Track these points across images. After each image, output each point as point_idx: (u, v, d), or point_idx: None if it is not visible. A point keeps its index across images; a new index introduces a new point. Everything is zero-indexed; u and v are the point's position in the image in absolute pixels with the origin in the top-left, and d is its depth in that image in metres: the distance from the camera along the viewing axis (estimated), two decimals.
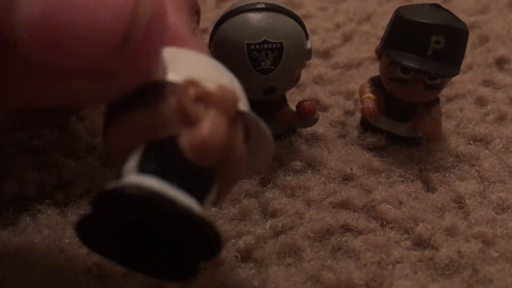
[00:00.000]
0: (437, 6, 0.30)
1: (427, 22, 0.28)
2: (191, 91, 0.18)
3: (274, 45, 0.27)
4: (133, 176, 0.17)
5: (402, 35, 0.29)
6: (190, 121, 0.17)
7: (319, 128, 0.32)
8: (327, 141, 0.32)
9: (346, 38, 0.44)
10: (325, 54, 0.41)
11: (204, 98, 0.18)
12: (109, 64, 0.17)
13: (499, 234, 0.26)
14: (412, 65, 0.28)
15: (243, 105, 0.20)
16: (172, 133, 0.17)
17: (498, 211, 0.28)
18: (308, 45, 0.29)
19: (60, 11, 0.16)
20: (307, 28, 0.29)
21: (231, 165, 0.19)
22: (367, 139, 0.32)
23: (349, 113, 0.35)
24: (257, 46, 0.27)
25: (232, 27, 0.28)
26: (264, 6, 0.28)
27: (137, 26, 0.17)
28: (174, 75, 0.18)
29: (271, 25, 0.27)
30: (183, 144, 0.17)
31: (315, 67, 0.39)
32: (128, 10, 0.17)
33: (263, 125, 0.20)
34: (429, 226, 0.26)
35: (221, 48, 0.28)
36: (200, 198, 0.17)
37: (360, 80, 0.37)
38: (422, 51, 0.28)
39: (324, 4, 0.49)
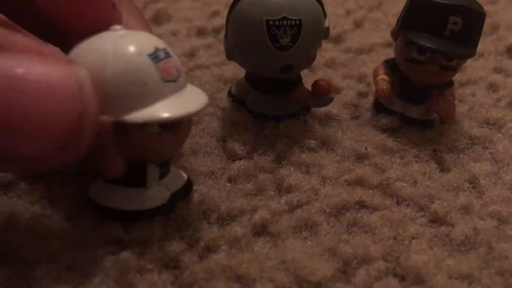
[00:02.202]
0: None
1: (445, 2, 0.28)
2: None
3: (293, 22, 0.27)
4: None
5: (419, 15, 0.29)
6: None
7: (332, 108, 0.32)
8: (340, 122, 0.32)
9: (357, 24, 0.44)
10: (337, 39, 0.41)
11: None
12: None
13: None
14: (429, 45, 0.28)
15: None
16: None
17: None
18: (326, 23, 0.29)
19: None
20: (324, 6, 0.29)
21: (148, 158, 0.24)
22: (380, 120, 0.32)
23: (362, 95, 0.35)
24: (276, 23, 0.27)
25: (251, 3, 0.28)
26: None
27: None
28: None
29: (290, 2, 0.27)
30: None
31: (327, 51, 0.39)
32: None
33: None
34: (445, 204, 0.26)
35: (239, 24, 0.28)
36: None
37: (372, 64, 0.37)
38: (439, 32, 0.29)
39: None
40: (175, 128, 0.22)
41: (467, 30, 0.29)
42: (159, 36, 0.39)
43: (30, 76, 0.18)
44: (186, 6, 0.45)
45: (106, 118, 0.20)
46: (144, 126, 0.21)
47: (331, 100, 0.30)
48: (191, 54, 0.38)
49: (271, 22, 0.27)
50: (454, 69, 0.30)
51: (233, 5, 0.28)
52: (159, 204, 0.24)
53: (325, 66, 0.38)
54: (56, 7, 0.23)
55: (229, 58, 0.30)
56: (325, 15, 0.29)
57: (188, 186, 0.25)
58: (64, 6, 0.23)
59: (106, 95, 0.20)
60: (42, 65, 0.19)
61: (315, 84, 0.30)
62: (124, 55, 0.21)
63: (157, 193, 0.24)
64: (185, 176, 0.25)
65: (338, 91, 0.35)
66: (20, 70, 0.18)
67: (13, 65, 0.18)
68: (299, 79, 0.31)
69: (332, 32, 0.41)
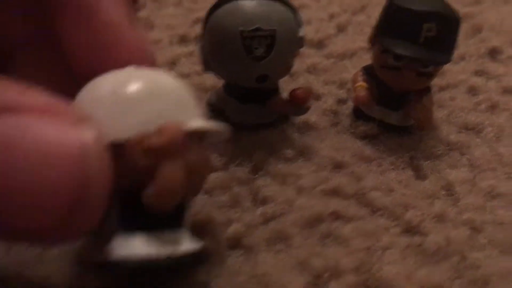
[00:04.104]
0: None
1: (419, 9, 0.28)
2: (139, 150, 0.18)
3: (266, 33, 0.27)
4: (121, 243, 0.20)
5: (394, 22, 0.29)
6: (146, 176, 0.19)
7: (311, 116, 0.32)
8: (319, 130, 0.32)
9: (340, 29, 0.44)
10: (319, 44, 0.41)
11: (152, 152, 0.18)
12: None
13: (487, 221, 0.26)
14: (404, 53, 0.29)
15: (196, 121, 0.20)
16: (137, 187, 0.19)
17: (488, 198, 0.28)
18: (301, 33, 0.29)
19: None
20: (300, 16, 0.29)
21: (197, 183, 0.21)
22: (359, 128, 0.32)
23: (341, 101, 0.35)
24: (250, 33, 0.27)
25: (225, 14, 0.28)
26: None
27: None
28: (120, 133, 0.19)
29: (264, 12, 0.27)
30: (146, 201, 0.19)
31: (308, 57, 0.39)
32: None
33: (220, 129, 0.21)
34: (419, 213, 0.26)
35: (214, 35, 0.28)
36: (179, 223, 0.21)
37: (353, 69, 0.37)
38: (414, 39, 0.29)
39: None
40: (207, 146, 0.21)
41: (442, 36, 0.29)
42: None
43: (27, 142, 0.16)
44: (170, 13, 0.45)
45: (179, 124, 0.19)
46: (200, 139, 0.20)
47: (308, 108, 0.30)
48: (173, 63, 0.38)
49: (245, 33, 0.27)
50: (431, 75, 0.30)
51: (208, 15, 0.28)
52: (198, 248, 0.21)
53: (306, 72, 0.38)
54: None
55: (206, 68, 0.30)
56: (300, 24, 0.29)
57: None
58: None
59: (174, 104, 0.19)
60: (43, 129, 0.17)
61: (292, 93, 0.30)
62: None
63: (191, 236, 0.21)
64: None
65: (318, 97, 0.35)
66: (17, 135, 0.16)
67: (10, 128, 0.17)
68: (276, 88, 0.31)
69: (315, 37, 0.42)
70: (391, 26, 0.29)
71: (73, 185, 0.17)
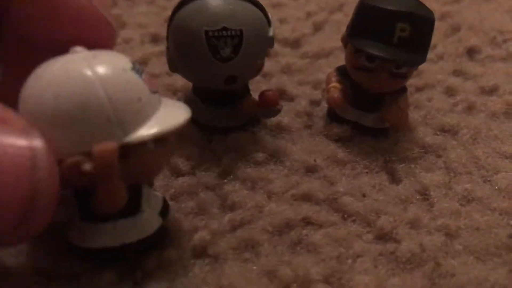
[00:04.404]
0: None
1: (392, 9, 0.27)
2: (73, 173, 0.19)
3: (233, 32, 0.26)
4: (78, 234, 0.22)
5: (367, 23, 0.28)
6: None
7: (284, 118, 0.32)
8: (292, 132, 0.31)
9: (317, 28, 0.43)
10: (295, 43, 0.40)
11: (85, 176, 0.19)
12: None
13: (462, 226, 0.25)
14: (377, 54, 0.28)
15: (135, 132, 0.20)
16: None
17: (463, 203, 0.27)
18: (270, 33, 0.28)
19: None
20: (269, 15, 0.28)
21: (148, 178, 0.23)
22: (332, 130, 0.31)
23: (315, 103, 0.34)
24: (216, 33, 0.26)
25: (189, 13, 0.26)
26: None
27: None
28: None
29: (230, 12, 0.26)
30: (92, 208, 0.20)
31: (283, 56, 0.38)
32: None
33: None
34: (391, 219, 0.25)
35: (179, 35, 0.27)
36: (137, 209, 0.22)
37: (328, 69, 0.36)
38: (387, 39, 0.28)
39: None
40: (165, 141, 0.21)
41: (416, 37, 0.28)
42: None
43: None
44: (142, 12, 0.44)
45: (110, 145, 0.19)
46: (143, 144, 0.20)
47: (278, 111, 0.29)
48: (144, 62, 0.37)
49: (210, 33, 0.26)
50: (405, 76, 0.29)
51: (172, 15, 0.27)
52: (156, 228, 0.22)
53: (281, 72, 0.37)
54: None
55: (172, 70, 0.28)
56: (269, 23, 0.28)
57: (166, 204, 0.24)
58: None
59: (105, 120, 0.19)
60: None
61: (262, 94, 0.29)
62: (111, 75, 0.19)
63: (151, 217, 0.22)
64: (159, 194, 0.24)
65: (291, 99, 0.34)
66: None
67: None
68: (246, 89, 0.30)
69: (291, 36, 0.41)
70: (364, 26, 0.28)
71: (24, 194, 0.17)
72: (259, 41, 0.27)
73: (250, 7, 0.27)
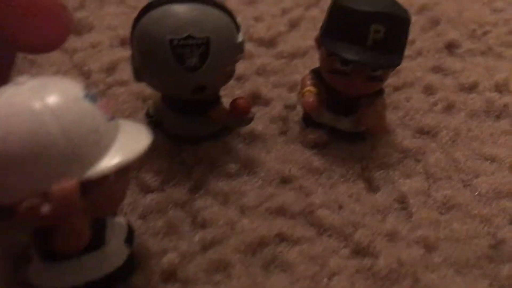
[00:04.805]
0: None
1: (366, 10, 0.26)
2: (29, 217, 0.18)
3: (199, 41, 0.25)
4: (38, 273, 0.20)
5: (339, 24, 0.27)
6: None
7: (258, 126, 0.30)
8: (266, 140, 0.30)
9: (293, 25, 0.41)
10: (270, 43, 0.39)
11: (43, 219, 0.18)
12: None
13: (442, 237, 0.25)
14: (351, 57, 0.26)
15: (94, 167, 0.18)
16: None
17: (443, 211, 0.26)
18: (239, 39, 0.26)
19: None
20: (238, 20, 0.27)
21: (112, 209, 0.21)
22: (308, 136, 0.30)
23: (291, 107, 0.32)
24: (181, 42, 0.24)
25: (153, 21, 0.25)
26: None
27: None
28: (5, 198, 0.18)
29: (196, 19, 0.25)
30: (53, 247, 0.19)
31: (259, 57, 0.37)
32: None
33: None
34: (369, 232, 0.24)
35: (142, 43, 0.26)
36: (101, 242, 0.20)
37: (304, 70, 0.35)
38: (362, 41, 0.26)
39: None
40: (126, 169, 0.20)
41: (391, 38, 0.27)
42: (78, 49, 0.37)
43: None
44: (111, 13, 0.42)
45: (71, 183, 0.17)
46: (105, 177, 0.18)
47: (251, 119, 0.28)
48: (111, 68, 0.35)
49: (175, 42, 0.24)
50: (381, 79, 0.28)
51: (135, 21, 0.26)
52: (123, 259, 0.21)
53: (256, 74, 0.36)
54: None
55: (137, 79, 0.27)
56: (238, 29, 0.26)
57: (130, 230, 0.22)
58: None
59: (62, 156, 0.17)
60: None
61: (233, 103, 0.28)
62: (63, 107, 0.17)
63: (117, 248, 0.21)
64: (122, 220, 0.22)
65: (266, 103, 0.33)
66: None
67: None
68: (217, 97, 0.29)
69: (266, 35, 0.39)
70: (337, 28, 0.27)
71: None
72: (227, 48, 0.26)
73: (217, 13, 0.25)
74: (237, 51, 0.27)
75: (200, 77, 0.25)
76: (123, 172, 0.19)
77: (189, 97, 0.27)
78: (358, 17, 0.26)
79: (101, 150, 0.18)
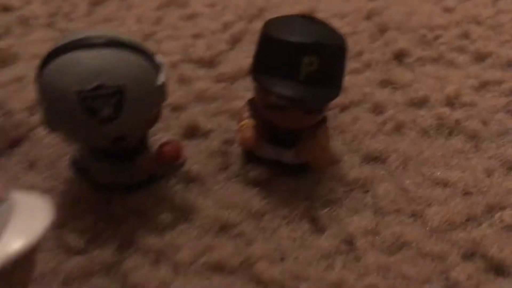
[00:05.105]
0: (309, 18, 0.25)
1: (296, 41, 0.24)
2: None
3: (111, 90, 0.22)
4: None
5: (270, 57, 0.25)
6: None
7: (194, 165, 0.28)
8: (204, 180, 0.28)
9: (235, 40, 0.39)
10: (210, 63, 0.37)
11: None
12: None
13: (391, 284, 0.23)
14: (284, 93, 0.24)
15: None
16: None
17: (392, 250, 0.25)
18: (160, 80, 0.24)
19: None
20: (158, 58, 0.24)
21: None
22: (249, 173, 0.28)
23: (230, 141, 0.30)
24: (90, 93, 0.22)
25: (58, 70, 0.22)
26: (96, 41, 0.22)
27: None
28: None
29: (107, 65, 0.22)
30: None
31: (198, 80, 0.35)
32: None
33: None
34: (313, 286, 0.22)
35: (48, 95, 0.23)
36: None
37: (246, 93, 0.33)
38: (294, 75, 0.24)
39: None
40: (27, 254, 0.17)
41: (326, 69, 0.24)
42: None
43: None
44: (38, 39, 0.39)
45: None
46: None
47: (181, 165, 0.26)
48: (34, 107, 0.32)
49: (83, 94, 0.22)
50: (320, 111, 0.26)
51: (40, 70, 0.23)
52: None
53: (194, 101, 0.33)
54: None
55: (52, 129, 0.24)
56: (158, 70, 0.24)
57: None
58: None
59: None
60: None
61: (159, 150, 0.25)
62: None
63: None
64: None
65: (205, 135, 0.31)
66: None
67: None
68: (142, 144, 0.26)
69: (205, 54, 0.37)
70: (268, 61, 0.25)
71: None
72: (145, 94, 0.23)
73: (130, 56, 0.23)
74: (158, 94, 0.24)
75: (117, 128, 0.23)
76: (21, 258, 0.17)
77: (110, 146, 0.24)
78: (288, 49, 0.24)
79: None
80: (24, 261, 0.17)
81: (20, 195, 0.18)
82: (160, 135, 0.30)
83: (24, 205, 0.18)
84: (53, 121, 0.24)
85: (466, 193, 0.27)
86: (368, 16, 0.41)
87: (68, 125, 0.23)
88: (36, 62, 0.36)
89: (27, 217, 0.17)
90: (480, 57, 0.37)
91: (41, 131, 0.30)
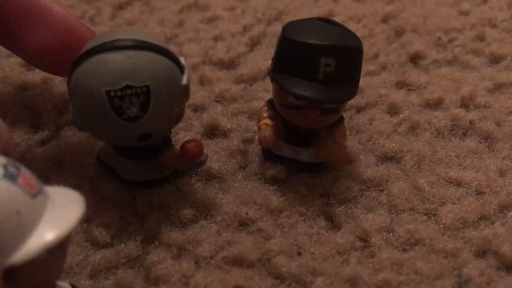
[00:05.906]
0: (326, 21, 0.26)
1: (314, 43, 0.25)
2: None
3: (139, 90, 0.23)
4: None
5: (289, 58, 0.26)
6: None
7: (215, 163, 0.29)
8: (223, 178, 0.29)
9: (254, 43, 0.40)
10: (230, 65, 0.38)
11: None
12: None
13: (405, 281, 0.24)
14: (302, 93, 0.25)
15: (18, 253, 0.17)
16: None
17: (406, 247, 0.25)
18: (184, 81, 0.25)
19: None
20: (182, 60, 0.26)
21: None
22: (267, 171, 0.29)
23: (249, 141, 0.31)
24: (119, 93, 0.23)
25: (88, 71, 0.24)
26: (124, 44, 0.24)
27: None
28: None
29: (133, 67, 0.23)
30: None
31: (218, 81, 0.36)
32: None
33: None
34: (328, 280, 0.23)
35: (78, 96, 0.24)
36: None
37: (265, 95, 0.34)
38: (312, 76, 0.25)
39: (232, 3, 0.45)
40: (58, 245, 0.18)
41: (343, 70, 0.25)
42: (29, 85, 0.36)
43: None
44: None
45: None
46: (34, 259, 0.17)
47: (203, 163, 0.27)
48: (63, 105, 0.34)
49: (112, 93, 0.23)
50: (337, 111, 0.27)
51: (70, 73, 0.24)
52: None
53: (215, 101, 0.34)
54: None
55: (79, 128, 0.26)
56: (182, 70, 0.25)
57: None
58: None
59: None
60: None
61: (183, 147, 0.26)
62: None
63: None
64: (65, 285, 0.21)
65: (225, 134, 0.32)
66: None
67: None
68: (167, 141, 0.27)
69: (225, 56, 0.38)
70: (287, 63, 0.26)
71: None
72: (170, 93, 0.24)
73: (156, 57, 0.24)
74: (182, 94, 0.25)
75: (143, 126, 0.24)
76: (55, 248, 0.18)
77: (135, 144, 0.25)
78: (307, 51, 0.25)
79: (25, 233, 0.17)
80: (58, 251, 0.19)
81: (53, 189, 0.19)
82: (182, 134, 0.31)
83: (57, 197, 0.19)
84: (81, 120, 0.25)
85: (479, 193, 0.28)
86: (384, 19, 0.42)
87: (96, 124, 0.24)
88: None
89: (61, 209, 0.18)
90: (495, 59, 0.38)
91: (69, 131, 0.31)
